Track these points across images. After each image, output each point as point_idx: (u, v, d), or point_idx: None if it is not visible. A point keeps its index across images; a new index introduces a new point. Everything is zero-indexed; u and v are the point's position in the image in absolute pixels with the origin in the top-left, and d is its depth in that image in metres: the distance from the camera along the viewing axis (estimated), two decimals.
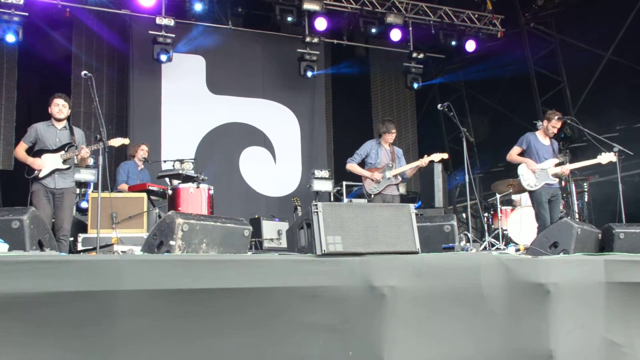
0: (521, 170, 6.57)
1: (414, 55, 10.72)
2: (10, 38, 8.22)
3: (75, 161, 5.70)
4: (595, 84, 9.92)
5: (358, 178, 10.28)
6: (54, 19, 9.02)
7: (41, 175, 5.49)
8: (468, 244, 5.65)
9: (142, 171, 7.72)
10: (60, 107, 5.62)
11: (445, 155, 6.74)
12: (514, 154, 6.69)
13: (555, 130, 6.77)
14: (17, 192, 7.61)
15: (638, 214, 6.71)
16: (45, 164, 5.52)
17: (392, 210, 3.57)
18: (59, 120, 5.65)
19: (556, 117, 6.67)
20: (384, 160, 6.81)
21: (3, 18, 8.16)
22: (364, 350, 3.15)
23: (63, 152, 5.60)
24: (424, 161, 6.62)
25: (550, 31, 10.84)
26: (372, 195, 6.71)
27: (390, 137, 6.85)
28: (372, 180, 6.70)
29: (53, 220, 5.58)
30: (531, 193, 6.55)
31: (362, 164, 6.91)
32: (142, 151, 7.75)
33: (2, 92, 9.19)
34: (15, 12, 8.18)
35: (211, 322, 2.89)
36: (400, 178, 6.80)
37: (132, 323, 2.74)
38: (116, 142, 5.87)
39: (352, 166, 6.89)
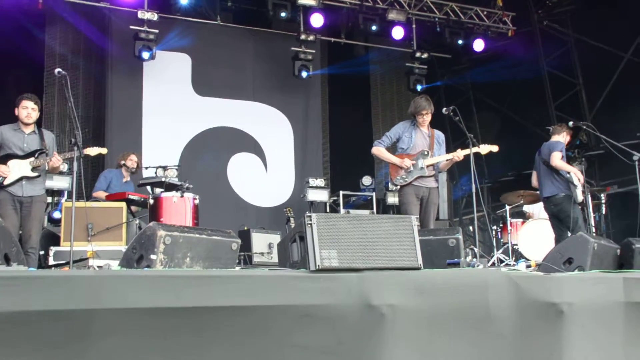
0: (576, 180, 6.60)
1: (418, 54, 10.81)
2: None
3: (46, 168, 5.69)
4: (613, 87, 10.00)
5: (356, 187, 10.39)
6: (25, 9, 8.96)
7: (6, 182, 5.44)
8: (475, 259, 5.68)
9: (127, 183, 7.69)
10: (29, 110, 5.57)
11: (495, 148, 6.13)
12: (560, 158, 6.67)
13: None
14: None
15: None
16: (12, 170, 5.48)
17: (393, 223, 3.58)
18: (26, 124, 5.61)
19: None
20: (420, 145, 6.09)
21: None
22: None
23: (32, 158, 5.56)
24: (457, 155, 5.98)
25: (566, 30, 10.93)
26: (400, 187, 5.99)
27: (423, 119, 6.10)
28: (402, 168, 5.96)
29: (20, 231, 5.56)
30: (575, 204, 6.57)
31: (393, 150, 6.25)
32: (131, 161, 7.73)
33: None
34: None
35: (195, 343, 2.89)
36: (433, 170, 6.09)
37: (109, 344, 2.73)
38: (93, 151, 5.89)
39: (379, 150, 6.13)
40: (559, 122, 7.96)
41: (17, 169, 5.51)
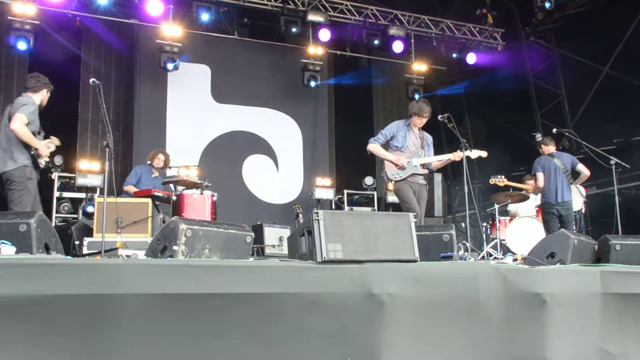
0: (584, 192, 7.22)
1: (416, 66, 10.78)
2: (22, 45, 8.30)
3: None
4: (593, 98, 9.95)
5: (359, 186, 10.39)
6: (64, 26, 9.08)
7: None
8: (466, 253, 5.64)
9: (156, 178, 7.67)
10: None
11: (484, 154, 5.91)
12: None
13: None
14: None
15: (634, 225, 6.70)
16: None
17: (392, 219, 3.58)
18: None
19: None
20: (413, 145, 5.91)
21: (15, 26, 8.24)
22: (362, 356, 3.15)
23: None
24: (457, 155, 5.72)
25: (550, 45, 10.88)
26: (394, 182, 5.84)
27: (421, 121, 5.91)
28: (397, 165, 5.79)
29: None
30: None
31: (386, 147, 6.01)
32: (157, 160, 7.71)
33: (13, 98, 9.21)
34: (27, 21, 8.26)
35: (212, 326, 2.90)
36: (426, 168, 5.92)
37: (134, 325, 2.75)
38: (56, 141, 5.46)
39: (375, 147, 5.89)
40: (544, 129, 7.94)
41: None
